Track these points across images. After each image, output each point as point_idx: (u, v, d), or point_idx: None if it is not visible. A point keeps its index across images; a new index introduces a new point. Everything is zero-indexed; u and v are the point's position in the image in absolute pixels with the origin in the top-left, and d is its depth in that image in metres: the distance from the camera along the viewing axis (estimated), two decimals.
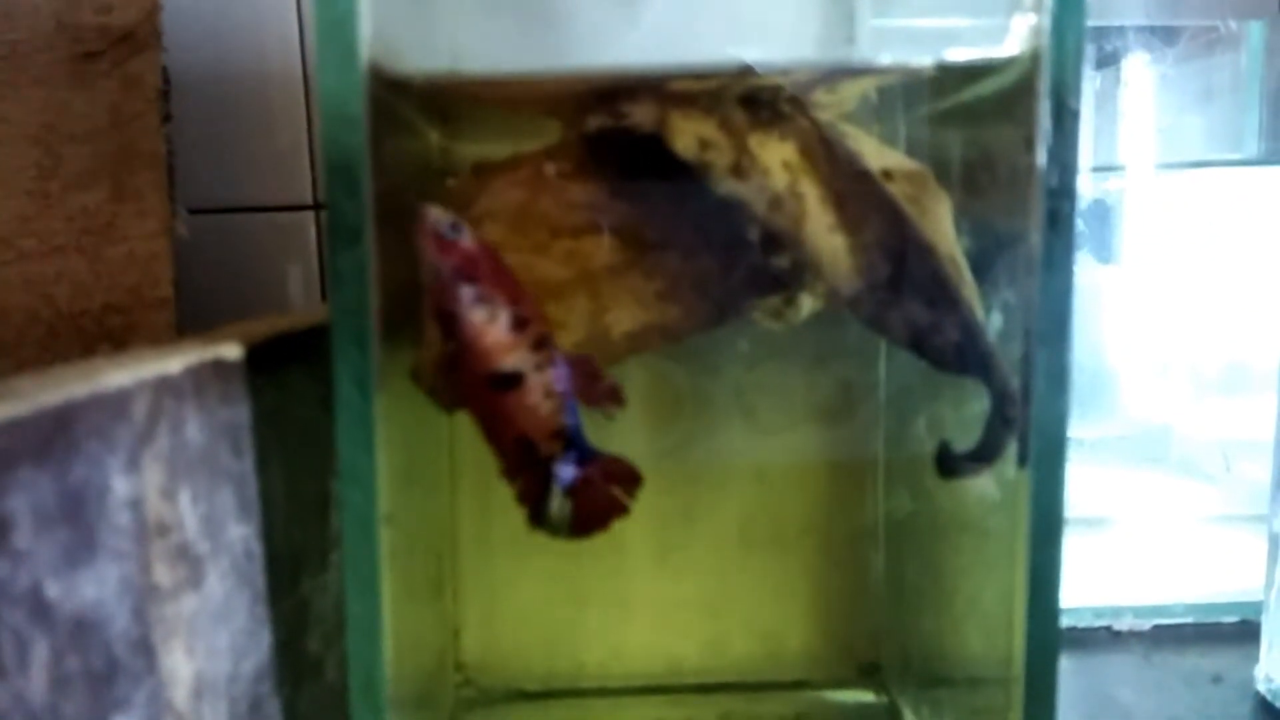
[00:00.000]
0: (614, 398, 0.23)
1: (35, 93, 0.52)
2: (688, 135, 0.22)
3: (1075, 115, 0.20)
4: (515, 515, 0.30)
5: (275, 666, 0.21)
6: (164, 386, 0.17)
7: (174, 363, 0.17)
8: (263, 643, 0.21)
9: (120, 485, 0.15)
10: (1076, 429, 0.57)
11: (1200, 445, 0.53)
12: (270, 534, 0.21)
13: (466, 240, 0.22)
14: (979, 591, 0.26)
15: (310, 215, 0.62)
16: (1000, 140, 0.23)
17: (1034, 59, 0.21)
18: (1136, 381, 0.53)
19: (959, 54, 0.22)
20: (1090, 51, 0.51)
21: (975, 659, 0.27)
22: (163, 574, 0.16)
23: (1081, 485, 0.50)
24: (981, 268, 0.23)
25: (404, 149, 0.25)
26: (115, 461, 0.15)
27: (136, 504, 0.15)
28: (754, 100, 0.23)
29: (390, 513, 0.20)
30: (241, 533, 0.20)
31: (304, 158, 0.62)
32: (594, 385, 0.23)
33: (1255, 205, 0.47)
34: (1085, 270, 0.48)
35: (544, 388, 0.22)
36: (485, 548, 0.30)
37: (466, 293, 0.21)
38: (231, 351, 0.20)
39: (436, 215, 0.21)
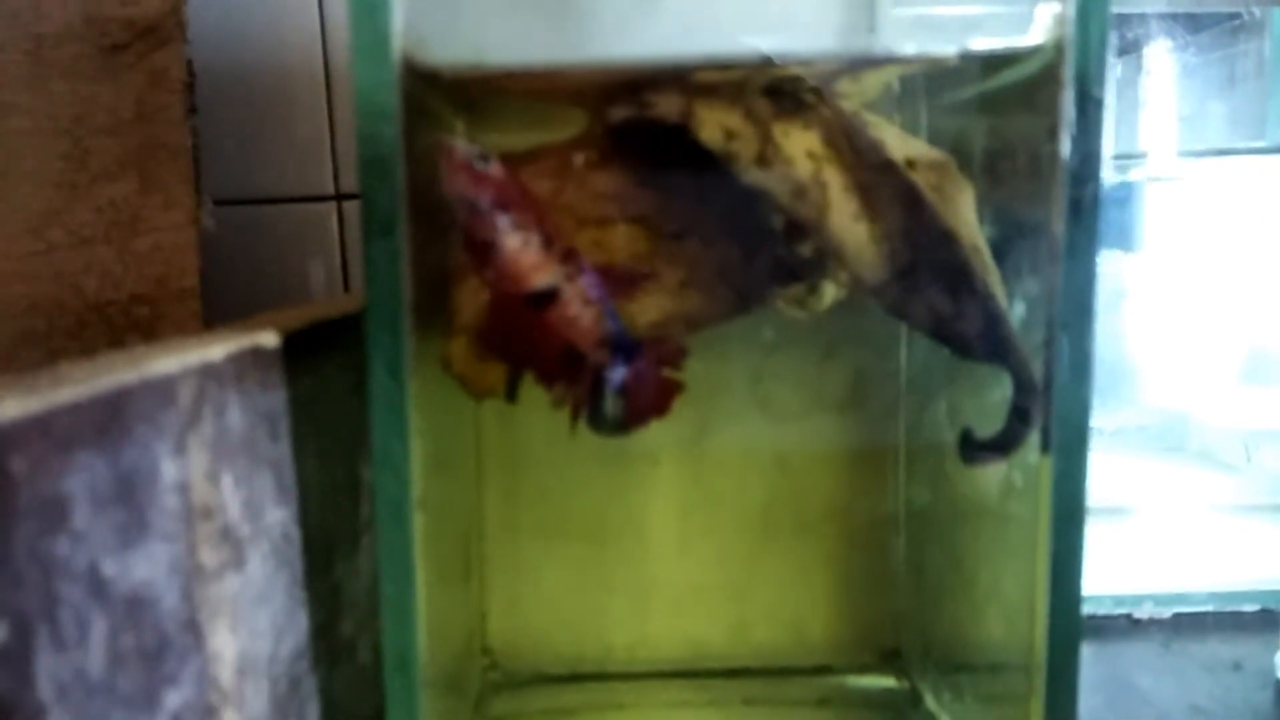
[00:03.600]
0: (640, 282, 0.24)
1: (62, 86, 0.52)
2: (713, 125, 0.22)
3: (1099, 104, 0.20)
4: (541, 502, 0.31)
5: (311, 646, 0.22)
6: (208, 373, 0.17)
7: (216, 350, 0.18)
8: (300, 624, 0.21)
9: (168, 469, 0.15)
10: (1097, 418, 0.57)
11: (1220, 435, 0.53)
12: (305, 519, 0.22)
13: (496, 170, 0.22)
14: (1000, 578, 0.26)
15: (332, 206, 0.63)
16: (1024, 129, 0.23)
17: (1058, 48, 0.21)
18: (1157, 371, 0.53)
19: (982, 43, 0.23)
20: (1113, 39, 0.50)
21: (996, 645, 0.27)
22: (208, 555, 0.17)
23: (1103, 474, 0.50)
24: (1004, 255, 0.24)
25: (433, 139, 0.25)
26: (164, 446, 0.15)
27: (183, 487, 0.16)
28: (778, 90, 0.23)
29: (422, 497, 0.21)
30: (280, 516, 0.20)
31: (325, 149, 0.62)
32: (621, 280, 0.24)
33: (1277, 193, 0.46)
34: (1107, 259, 0.48)
35: (581, 296, 0.23)
36: (511, 534, 0.31)
37: (503, 220, 0.22)
38: (270, 340, 0.20)
39: (465, 148, 0.22)
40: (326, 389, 0.24)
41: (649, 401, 0.24)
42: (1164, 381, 0.53)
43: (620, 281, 0.24)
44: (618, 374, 0.24)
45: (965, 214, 0.24)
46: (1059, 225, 0.21)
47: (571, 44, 0.24)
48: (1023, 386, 0.22)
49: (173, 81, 0.53)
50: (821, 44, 0.24)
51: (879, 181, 0.23)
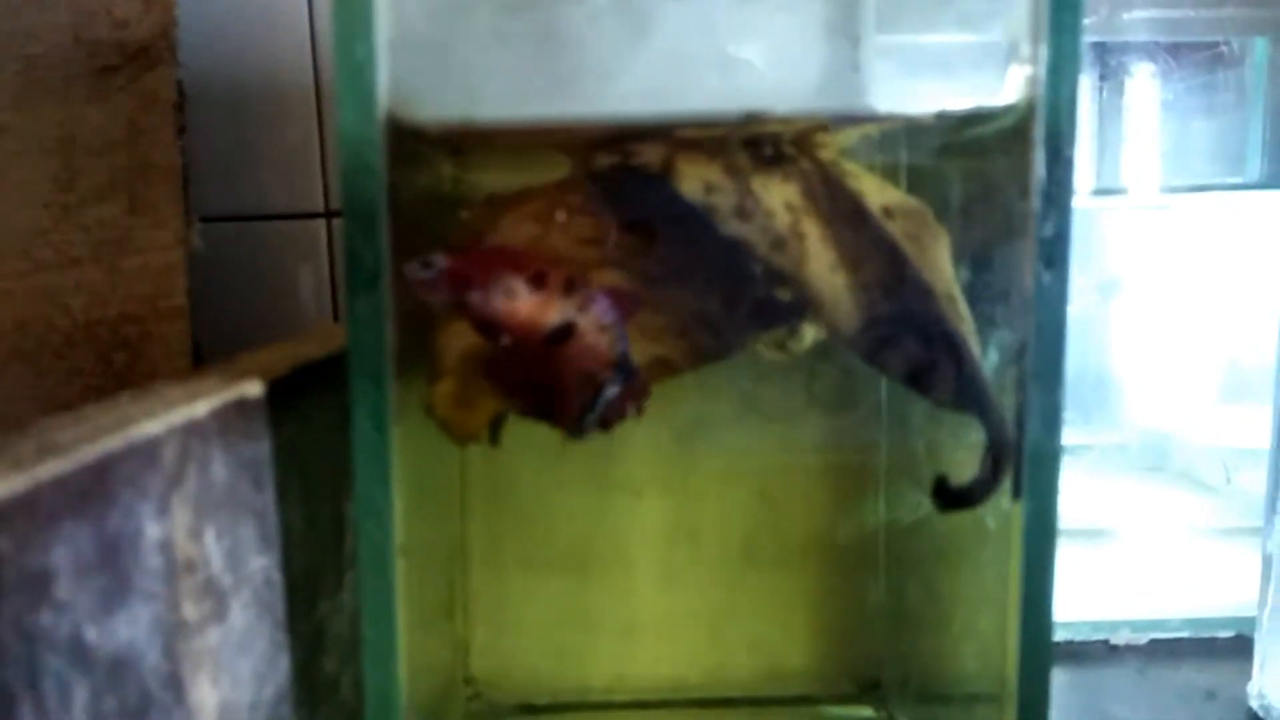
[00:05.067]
0: (641, 301, 0.24)
1: (53, 106, 0.53)
2: (693, 179, 0.23)
3: (1069, 162, 0.21)
4: (524, 534, 0.31)
5: (294, 687, 0.22)
6: (191, 430, 0.17)
7: (200, 406, 0.18)
8: (282, 667, 0.21)
9: (151, 529, 0.16)
10: (1079, 436, 0.58)
11: (1201, 454, 0.54)
12: (288, 560, 0.22)
13: (442, 262, 0.22)
14: (975, 613, 0.27)
15: (322, 223, 0.63)
16: (997, 181, 0.24)
17: (1030, 107, 0.21)
18: (1139, 391, 0.53)
19: (958, 103, 0.23)
20: (1094, 67, 0.51)
21: (971, 677, 0.27)
22: (190, 610, 0.17)
23: (1082, 495, 0.51)
24: (979, 303, 0.24)
25: (419, 183, 0.26)
26: (147, 508, 0.16)
27: (166, 546, 0.16)
28: (758, 143, 0.23)
29: (405, 543, 0.21)
30: (262, 563, 0.20)
31: (315, 167, 0.62)
32: (628, 299, 0.24)
33: (1257, 227, 0.47)
34: (1090, 281, 0.49)
35: (596, 324, 0.23)
36: (495, 567, 0.31)
37: (476, 297, 0.22)
38: (254, 389, 0.21)
39: (409, 269, 0.22)
40: (310, 429, 0.24)
41: (618, 413, 0.25)
42: (1146, 402, 0.54)
43: (628, 300, 0.24)
44: (613, 391, 0.24)
45: (941, 263, 0.24)
46: (1029, 280, 0.21)
47: (558, 89, 0.25)
48: (995, 437, 0.23)
49: (163, 103, 0.53)
50: (806, 80, 0.24)
51: (856, 233, 0.23)
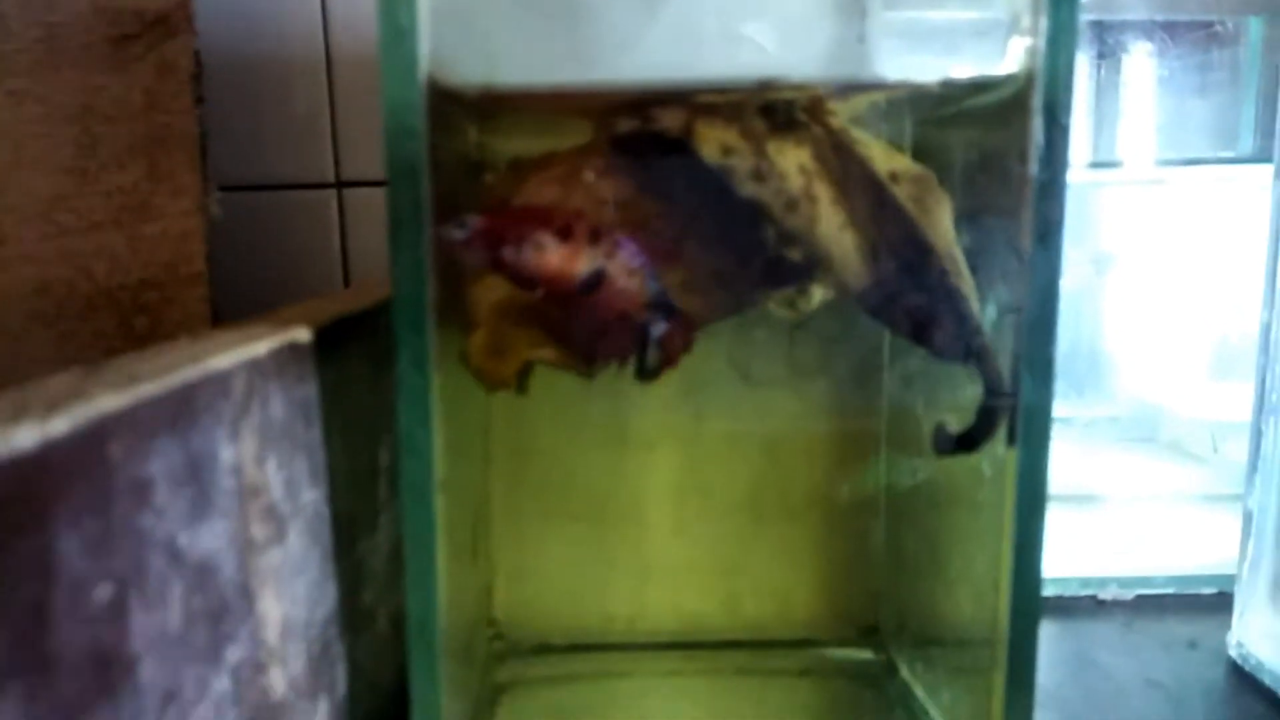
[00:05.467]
0: (675, 253, 0.26)
1: (73, 75, 0.54)
2: (712, 142, 0.24)
3: (1065, 132, 0.22)
4: (544, 484, 0.33)
5: (339, 614, 0.24)
6: (255, 367, 0.19)
7: (261, 346, 0.20)
8: (330, 594, 0.23)
9: (226, 453, 0.17)
10: (1072, 409, 0.60)
11: (1190, 426, 0.55)
12: (333, 497, 0.24)
13: (474, 223, 0.24)
14: (969, 560, 0.28)
15: (333, 193, 0.64)
16: (999, 146, 0.25)
17: (1029, 77, 0.23)
18: (1131, 363, 0.55)
19: (961, 70, 0.25)
20: (1092, 45, 0.52)
21: (964, 622, 0.29)
22: (257, 530, 0.19)
23: (1075, 463, 0.53)
24: (979, 263, 0.26)
25: (452, 147, 0.27)
26: (221, 432, 0.17)
27: (237, 469, 0.18)
28: (773, 109, 0.25)
29: (443, 480, 0.23)
30: (313, 496, 0.22)
31: (326, 138, 0.64)
32: (659, 249, 0.25)
33: (1247, 202, 0.48)
34: (1084, 255, 0.50)
35: (624, 269, 0.24)
36: (516, 514, 0.33)
37: (508, 253, 0.24)
38: (303, 335, 0.22)
39: (443, 231, 0.23)
40: (349, 379, 0.25)
41: (675, 349, 0.26)
42: (1137, 374, 0.55)
43: (654, 247, 0.25)
44: (659, 329, 0.25)
45: (943, 225, 0.26)
46: (1027, 242, 0.23)
47: (577, 57, 0.26)
48: (991, 387, 0.24)
49: (181, 72, 0.54)
50: (814, 52, 0.26)
51: (864, 196, 0.25)
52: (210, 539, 0.16)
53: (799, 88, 0.24)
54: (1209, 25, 0.53)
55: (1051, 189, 0.22)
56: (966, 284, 0.25)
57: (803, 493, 0.34)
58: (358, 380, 0.26)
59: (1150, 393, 0.56)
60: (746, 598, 0.34)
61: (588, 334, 0.25)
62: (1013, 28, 0.23)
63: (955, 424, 0.25)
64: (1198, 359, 0.54)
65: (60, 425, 0.12)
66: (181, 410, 0.16)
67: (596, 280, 0.24)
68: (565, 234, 0.24)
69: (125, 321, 0.55)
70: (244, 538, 0.18)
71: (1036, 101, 0.22)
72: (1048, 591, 0.42)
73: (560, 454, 0.33)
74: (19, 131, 0.54)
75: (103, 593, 0.13)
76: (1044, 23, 0.23)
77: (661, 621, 0.34)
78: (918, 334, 0.25)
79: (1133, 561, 0.44)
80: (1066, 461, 0.52)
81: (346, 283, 0.66)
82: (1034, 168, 0.22)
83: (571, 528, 0.33)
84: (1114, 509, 0.49)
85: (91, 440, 0.13)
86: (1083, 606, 0.41)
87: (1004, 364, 0.24)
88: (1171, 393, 0.56)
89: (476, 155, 0.30)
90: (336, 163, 0.65)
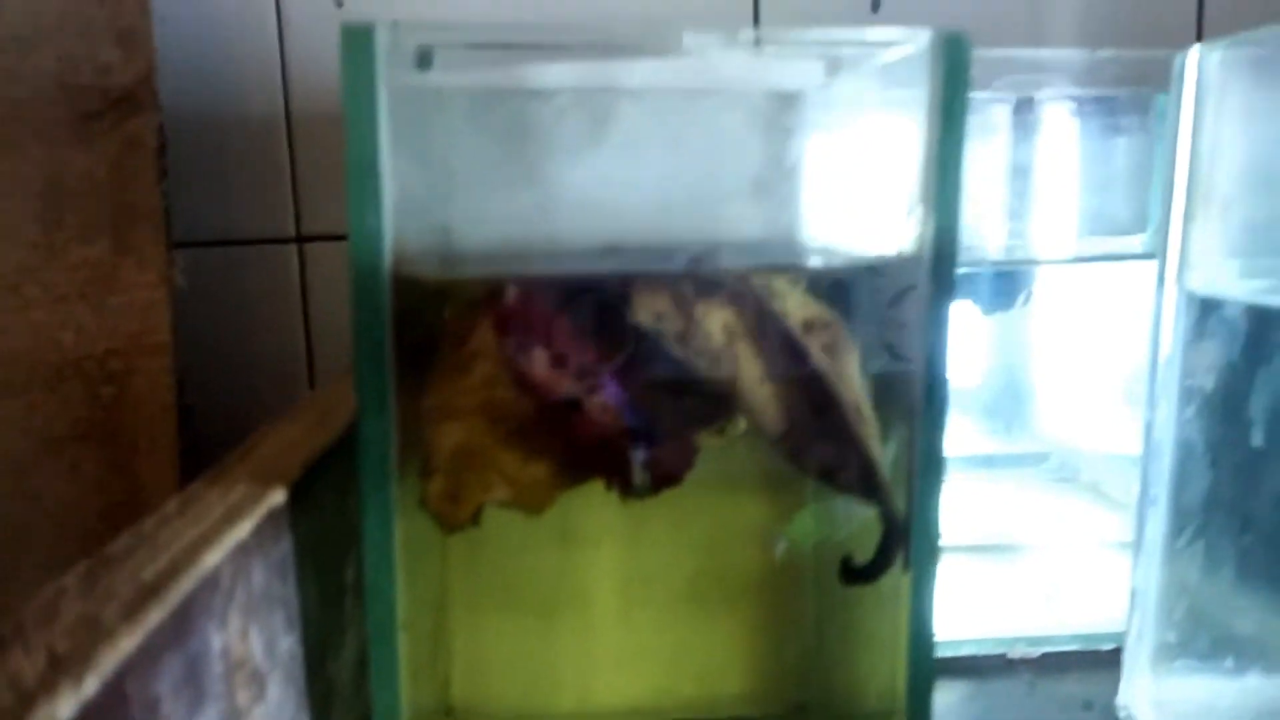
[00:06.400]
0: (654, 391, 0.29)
1: (39, 150, 0.55)
2: (646, 310, 0.27)
3: (946, 311, 0.26)
4: (498, 587, 0.36)
5: None
6: (240, 550, 0.22)
7: (245, 526, 0.22)
8: None
9: (215, 641, 0.20)
10: (997, 446, 0.64)
11: (1109, 467, 0.59)
12: (306, 632, 0.26)
13: (513, 295, 0.27)
14: (876, 645, 0.32)
15: (294, 247, 0.67)
16: (898, 305, 0.29)
17: (917, 258, 0.26)
18: (1054, 404, 0.58)
19: (865, 250, 0.28)
20: (1010, 120, 0.56)
21: (872, 696, 0.33)
22: (242, 698, 0.21)
23: (995, 506, 0.57)
24: (881, 403, 0.29)
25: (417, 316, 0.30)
26: (213, 625, 0.20)
27: (225, 651, 0.20)
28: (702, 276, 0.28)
29: (405, 619, 0.26)
30: (289, 642, 0.25)
31: (288, 194, 0.66)
32: (639, 390, 0.28)
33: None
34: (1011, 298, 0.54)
35: (601, 405, 0.27)
36: (473, 610, 0.36)
37: (511, 343, 0.27)
38: (279, 497, 0.25)
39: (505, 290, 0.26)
40: (318, 516, 0.28)
41: (670, 468, 0.29)
42: (1060, 414, 0.59)
43: (635, 390, 0.28)
44: (639, 455, 0.29)
45: (850, 372, 0.29)
46: (916, 408, 0.26)
47: (534, 211, 0.29)
48: (889, 527, 0.28)
49: (145, 148, 0.56)
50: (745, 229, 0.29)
51: (780, 351, 0.28)
52: None
53: (727, 270, 0.27)
54: (1113, 101, 0.56)
55: (933, 370, 0.26)
56: (870, 428, 0.29)
57: (738, 582, 0.37)
58: (325, 509, 0.29)
59: (1072, 433, 0.60)
60: (684, 679, 0.37)
61: (570, 450, 0.28)
62: (907, 208, 0.26)
63: (858, 557, 0.29)
64: (1120, 398, 0.57)
65: (91, 686, 0.15)
66: (182, 624, 0.18)
67: (571, 407, 0.27)
68: (559, 361, 0.27)
69: (92, 391, 0.57)
70: (231, 708, 0.21)
71: (923, 277, 0.26)
72: (961, 651, 0.46)
73: (513, 556, 0.36)
74: None
75: None
76: (931, 211, 0.26)
77: (606, 704, 0.37)
78: (826, 476, 0.28)
79: (1040, 618, 0.48)
80: (987, 503, 0.56)
81: (308, 331, 0.69)
82: (919, 346, 0.26)
83: (524, 621, 0.36)
84: (1028, 559, 0.53)
85: (114, 685, 0.16)
86: (993, 666, 0.45)
87: (899, 503, 0.28)
88: (1093, 433, 0.60)
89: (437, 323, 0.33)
90: (297, 218, 0.67)
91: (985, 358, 0.58)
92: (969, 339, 0.55)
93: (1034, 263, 0.55)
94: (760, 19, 0.63)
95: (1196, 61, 0.36)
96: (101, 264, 0.55)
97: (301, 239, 0.65)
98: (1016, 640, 0.47)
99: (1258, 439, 0.34)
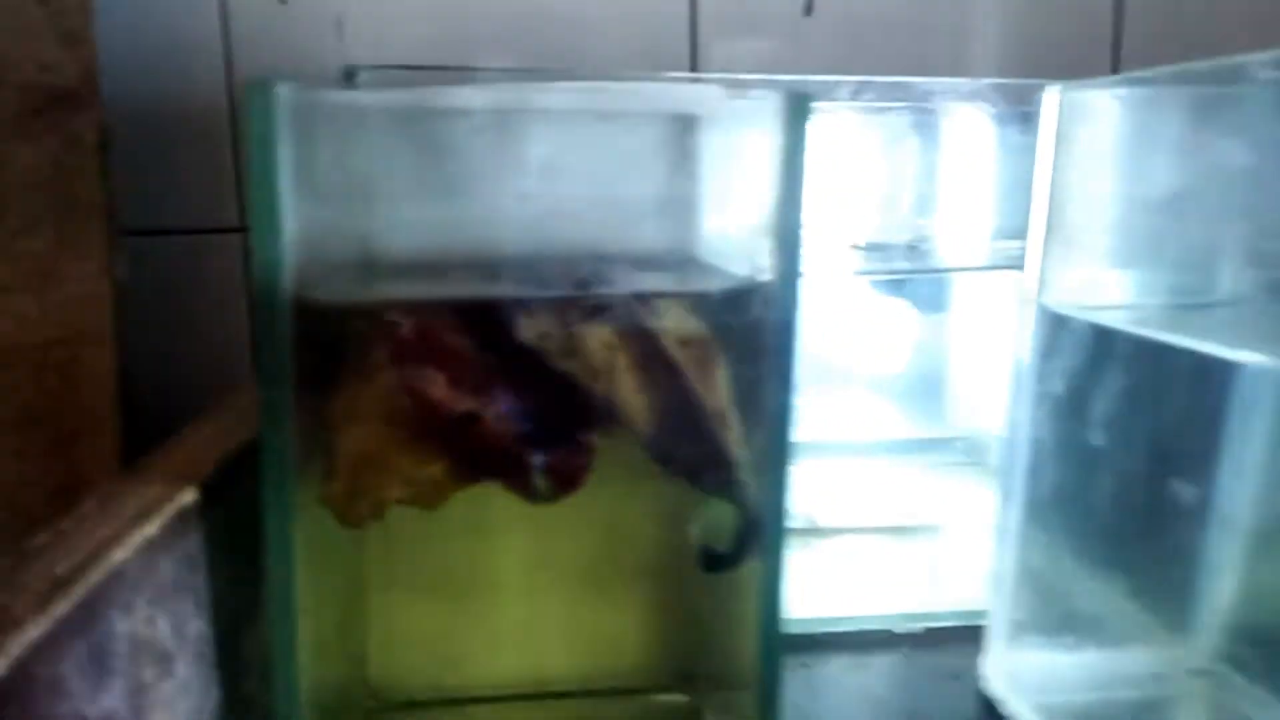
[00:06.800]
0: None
1: None
2: (530, 329, 0.30)
3: (790, 339, 0.29)
4: (412, 571, 0.39)
5: (224, 711, 0.29)
6: (147, 545, 0.25)
7: (153, 525, 0.25)
8: (213, 695, 0.29)
9: (121, 627, 0.23)
10: (913, 431, 0.67)
11: None
12: (217, 612, 0.29)
13: (408, 327, 0.29)
14: (746, 620, 0.36)
15: (238, 237, 0.69)
16: (754, 329, 0.32)
17: (759, 288, 0.30)
18: (967, 388, 0.62)
19: (731, 279, 0.31)
20: (934, 123, 0.58)
21: (746, 666, 0.37)
22: (148, 674, 0.24)
23: (906, 490, 0.60)
24: (742, 411, 0.33)
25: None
26: (119, 613, 0.23)
27: (131, 635, 0.24)
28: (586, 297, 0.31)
29: (304, 605, 0.29)
30: (198, 624, 0.28)
31: (232, 184, 0.68)
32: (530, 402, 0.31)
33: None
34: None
35: (497, 415, 0.30)
36: (388, 596, 0.39)
37: (409, 370, 0.29)
38: (189, 496, 0.28)
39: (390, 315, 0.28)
40: (232, 505, 0.31)
41: (568, 475, 0.32)
42: (972, 400, 0.63)
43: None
44: (538, 460, 0.31)
45: (717, 382, 0.32)
46: (767, 422, 0.30)
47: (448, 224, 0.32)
48: (748, 520, 0.31)
49: (87, 145, 0.58)
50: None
51: (654, 365, 0.31)
52: (109, 699, 0.22)
53: (612, 295, 0.31)
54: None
55: (781, 394, 0.29)
56: (732, 434, 0.32)
57: (631, 567, 0.41)
58: (240, 504, 0.32)
59: (979, 419, 0.63)
60: (582, 654, 0.41)
61: (470, 458, 0.31)
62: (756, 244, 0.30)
63: (718, 546, 0.32)
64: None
65: (0, 667, 0.18)
66: (89, 613, 0.21)
67: (470, 420, 0.30)
68: (455, 382, 0.30)
69: (37, 380, 0.59)
70: (136, 684, 0.24)
71: (767, 303, 0.29)
72: (851, 627, 0.50)
73: (426, 542, 0.39)
74: None
75: None
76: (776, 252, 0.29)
77: (514, 677, 0.40)
78: (690, 477, 0.32)
79: (928, 595, 0.52)
80: (898, 485, 0.60)
81: (251, 319, 0.71)
82: (766, 370, 0.29)
83: (435, 603, 0.39)
84: (925, 539, 0.57)
85: (20, 666, 0.19)
86: (877, 640, 0.49)
87: (755, 495, 0.31)
88: (998, 419, 0.63)
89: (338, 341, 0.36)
90: (241, 208, 0.69)
91: (909, 352, 0.62)
92: (897, 336, 0.59)
93: (963, 270, 0.58)
94: (698, 20, 0.65)
95: (1056, 101, 0.39)
96: (44, 256, 0.57)
97: (245, 228, 0.67)
98: (903, 617, 0.51)
99: (1097, 439, 0.38)
